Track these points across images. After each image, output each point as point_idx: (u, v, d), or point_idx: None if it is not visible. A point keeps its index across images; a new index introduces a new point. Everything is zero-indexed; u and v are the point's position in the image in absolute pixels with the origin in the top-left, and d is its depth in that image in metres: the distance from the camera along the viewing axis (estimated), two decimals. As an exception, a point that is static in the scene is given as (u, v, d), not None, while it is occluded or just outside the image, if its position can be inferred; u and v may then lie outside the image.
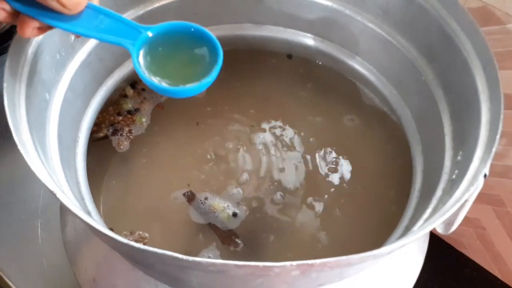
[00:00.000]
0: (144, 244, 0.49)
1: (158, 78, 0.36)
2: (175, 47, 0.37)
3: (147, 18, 0.52)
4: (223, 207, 0.51)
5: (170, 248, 0.46)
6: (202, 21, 0.39)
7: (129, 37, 0.36)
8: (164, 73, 0.36)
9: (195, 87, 0.36)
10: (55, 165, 0.40)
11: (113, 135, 0.55)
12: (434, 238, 0.48)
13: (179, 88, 0.36)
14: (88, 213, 0.43)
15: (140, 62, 0.36)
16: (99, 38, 0.35)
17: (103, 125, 0.55)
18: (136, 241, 0.49)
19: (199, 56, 0.37)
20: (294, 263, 0.28)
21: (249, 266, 0.28)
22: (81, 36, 0.39)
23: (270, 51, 0.61)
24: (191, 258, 0.28)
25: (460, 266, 0.66)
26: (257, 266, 0.28)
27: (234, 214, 0.51)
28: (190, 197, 0.51)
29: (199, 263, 0.29)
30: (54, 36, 0.42)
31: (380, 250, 0.30)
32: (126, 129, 0.56)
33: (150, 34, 0.36)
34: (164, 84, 0.36)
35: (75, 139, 0.48)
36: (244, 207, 0.51)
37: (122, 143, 0.55)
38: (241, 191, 0.53)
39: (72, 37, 0.45)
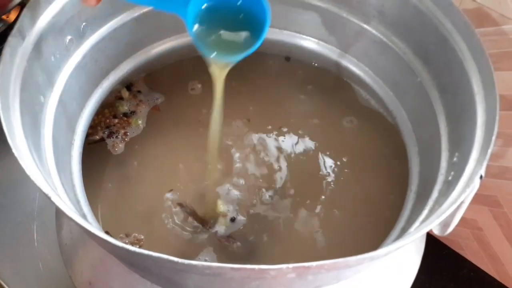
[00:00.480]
0: (140, 246, 0.48)
1: (211, 44, 0.40)
2: (223, 17, 0.40)
3: (143, 19, 0.52)
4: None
5: (166, 250, 0.46)
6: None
7: (180, 3, 0.38)
8: (215, 40, 0.40)
9: (244, 51, 0.40)
10: (50, 168, 0.40)
11: (109, 138, 0.55)
12: (431, 239, 0.48)
13: (233, 53, 0.40)
14: (84, 216, 0.42)
15: (193, 31, 0.39)
16: (152, 4, 0.39)
17: (99, 128, 0.55)
18: (132, 243, 0.48)
19: (245, 20, 0.41)
20: (291, 265, 0.28)
21: (245, 269, 0.28)
22: (136, 4, 0.45)
23: (267, 53, 0.61)
24: (186, 261, 0.28)
25: (457, 267, 0.66)
26: (253, 269, 0.28)
27: (232, 219, 0.50)
28: (192, 213, 0.50)
29: (195, 266, 0.28)
30: (48, 38, 0.42)
31: (377, 252, 0.30)
32: (122, 131, 0.55)
33: (204, 6, 0.39)
34: (216, 52, 0.40)
35: (70, 142, 0.48)
36: (242, 210, 0.51)
37: (118, 146, 0.55)
38: (238, 194, 0.52)
39: (67, 39, 0.45)
